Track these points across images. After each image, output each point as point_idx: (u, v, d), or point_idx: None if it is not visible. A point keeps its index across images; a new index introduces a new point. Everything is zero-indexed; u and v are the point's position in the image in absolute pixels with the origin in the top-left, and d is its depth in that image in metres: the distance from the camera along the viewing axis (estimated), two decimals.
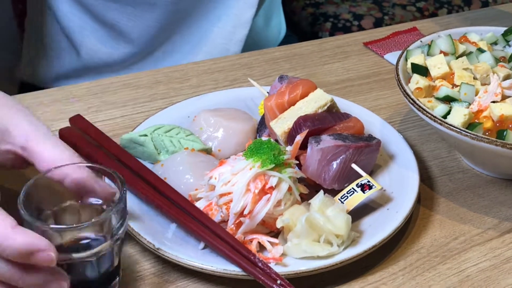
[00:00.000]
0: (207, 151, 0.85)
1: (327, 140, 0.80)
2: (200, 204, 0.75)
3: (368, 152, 0.81)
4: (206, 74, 1.10)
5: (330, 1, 2.14)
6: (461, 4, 2.15)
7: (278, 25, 1.50)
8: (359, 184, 0.77)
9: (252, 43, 1.33)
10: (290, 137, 0.83)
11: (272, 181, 0.72)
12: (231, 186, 0.72)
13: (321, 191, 0.76)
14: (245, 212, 0.71)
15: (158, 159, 0.83)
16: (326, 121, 0.83)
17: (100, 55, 1.27)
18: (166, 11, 1.21)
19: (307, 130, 0.81)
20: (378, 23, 2.01)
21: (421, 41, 0.95)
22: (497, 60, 0.90)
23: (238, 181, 0.72)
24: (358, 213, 0.77)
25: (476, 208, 0.83)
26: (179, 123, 0.89)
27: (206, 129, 0.88)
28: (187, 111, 0.93)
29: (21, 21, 1.69)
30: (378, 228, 0.75)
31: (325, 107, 0.85)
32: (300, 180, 0.79)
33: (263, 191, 0.72)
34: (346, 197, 0.77)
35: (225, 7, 1.24)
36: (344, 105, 0.93)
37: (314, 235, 0.72)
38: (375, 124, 0.92)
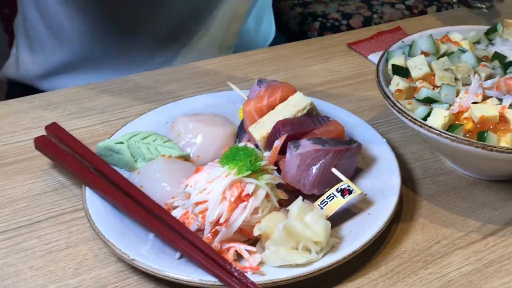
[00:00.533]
0: (185, 158, 0.83)
1: (306, 145, 0.78)
2: (176, 213, 0.74)
3: (348, 156, 0.80)
4: (188, 78, 1.09)
5: (319, 0, 2.13)
6: (450, 1, 2.14)
7: (269, 26, 1.50)
8: (339, 189, 0.76)
9: (243, 44, 1.33)
10: (269, 142, 0.82)
11: (249, 188, 0.71)
12: (206, 194, 0.71)
13: (300, 197, 0.74)
14: (221, 220, 0.70)
15: (134, 167, 0.82)
16: (306, 125, 0.82)
17: (92, 50, 1.27)
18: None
19: (286, 135, 0.79)
20: (367, 22, 2.00)
21: (402, 42, 0.93)
22: (479, 60, 0.88)
23: (214, 188, 0.71)
24: (338, 218, 0.76)
25: (458, 210, 0.82)
26: (157, 130, 0.87)
27: (184, 135, 0.86)
28: (165, 117, 0.91)
29: (8, 26, 1.68)
30: (359, 234, 0.74)
31: (305, 111, 0.84)
32: (280, 186, 0.77)
33: (240, 199, 0.71)
34: (325, 203, 0.75)
35: None
36: (326, 107, 0.92)
37: (292, 242, 0.70)
38: (357, 127, 0.90)
